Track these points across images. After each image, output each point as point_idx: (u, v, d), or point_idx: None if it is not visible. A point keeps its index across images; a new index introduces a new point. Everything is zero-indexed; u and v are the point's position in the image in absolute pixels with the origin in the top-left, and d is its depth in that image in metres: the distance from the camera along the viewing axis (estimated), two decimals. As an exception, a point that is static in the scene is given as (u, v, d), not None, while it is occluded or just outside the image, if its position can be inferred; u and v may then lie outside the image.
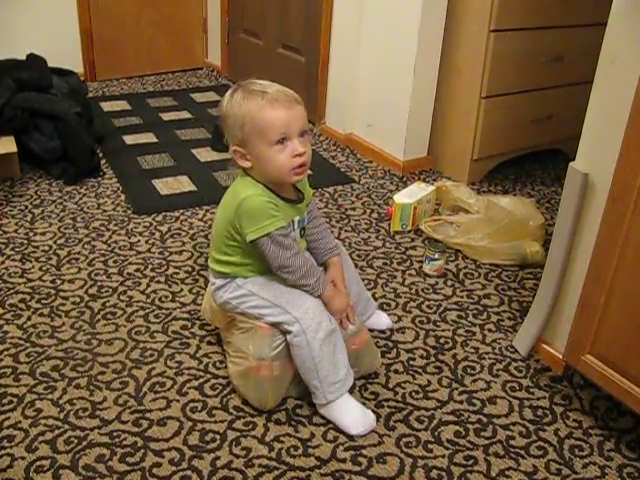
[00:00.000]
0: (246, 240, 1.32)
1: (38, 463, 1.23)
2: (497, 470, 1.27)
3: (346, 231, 2.14)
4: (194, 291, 1.78)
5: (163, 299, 1.74)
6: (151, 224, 2.12)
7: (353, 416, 1.34)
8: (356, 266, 1.90)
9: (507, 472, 1.27)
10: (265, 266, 1.37)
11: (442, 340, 1.64)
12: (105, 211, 2.19)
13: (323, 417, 1.37)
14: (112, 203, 2.25)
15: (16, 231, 2.04)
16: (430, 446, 1.31)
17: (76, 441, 1.28)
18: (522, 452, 1.31)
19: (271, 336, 1.35)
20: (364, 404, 1.39)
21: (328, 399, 1.33)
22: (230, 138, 1.33)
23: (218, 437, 1.31)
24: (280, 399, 1.39)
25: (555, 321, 1.53)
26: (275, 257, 1.32)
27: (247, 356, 1.36)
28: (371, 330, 1.59)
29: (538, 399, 1.46)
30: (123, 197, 2.29)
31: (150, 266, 1.89)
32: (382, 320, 1.66)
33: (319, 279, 1.35)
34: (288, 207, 1.36)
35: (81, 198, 2.27)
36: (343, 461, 1.27)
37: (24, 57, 2.58)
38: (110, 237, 2.03)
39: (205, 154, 2.68)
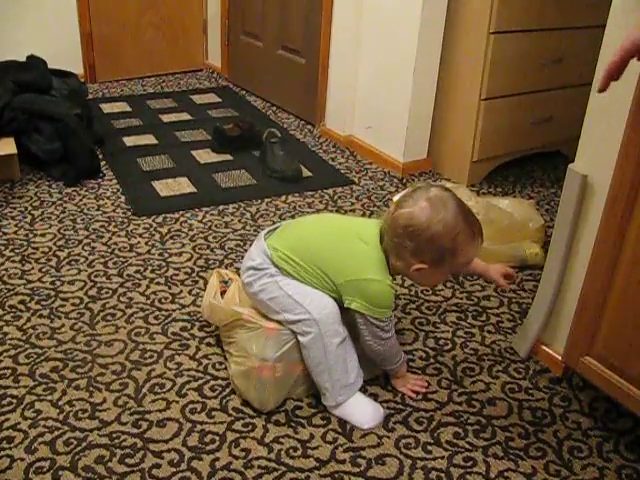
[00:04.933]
0: (343, 304, 1.34)
1: (37, 464, 1.23)
2: (496, 471, 1.27)
3: (346, 233, 2.14)
4: (194, 293, 1.78)
5: (163, 300, 1.74)
6: (151, 225, 2.13)
7: (364, 412, 1.37)
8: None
9: (506, 473, 1.27)
10: (317, 285, 1.36)
11: (441, 342, 1.64)
12: (105, 212, 2.19)
13: (323, 418, 1.37)
14: (112, 204, 2.25)
15: (16, 232, 2.04)
16: (429, 447, 1.32)
17: (75, 442, 1.28)
18: (521, 453, 1.31)
19: (276, 337, 1.35)
20: (363, 405, 1.39)
21: (338, 401, 1.36)
22: (418, 250, 1.28)
23: (217, 438, 1.31)
24: (281, 401, 1.39)
25: (554, 323, 1.53)
26: (373, 335, 1.35)
27: (250, 356, 1.36)
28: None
29: (537, 400, 1.46)
30: (123, 199, 2.29)
31: (150, 268, 1.89)
32: None
33: (402, 359, 1.44)
34: None
35: (81, 200, 2.27)
36: (342, 462, 1.27)
37: (24, 59, 2.59)
38: (110, 239, 2.03)
39: (205, 156, 2.68)
